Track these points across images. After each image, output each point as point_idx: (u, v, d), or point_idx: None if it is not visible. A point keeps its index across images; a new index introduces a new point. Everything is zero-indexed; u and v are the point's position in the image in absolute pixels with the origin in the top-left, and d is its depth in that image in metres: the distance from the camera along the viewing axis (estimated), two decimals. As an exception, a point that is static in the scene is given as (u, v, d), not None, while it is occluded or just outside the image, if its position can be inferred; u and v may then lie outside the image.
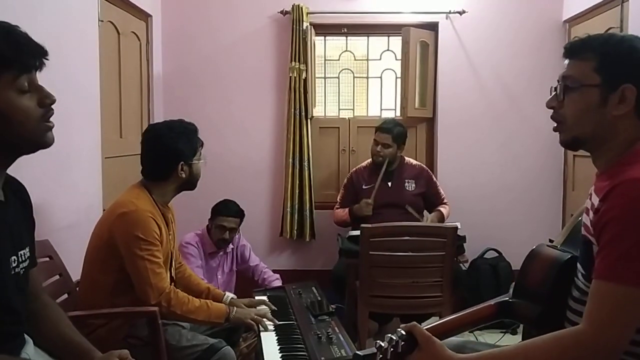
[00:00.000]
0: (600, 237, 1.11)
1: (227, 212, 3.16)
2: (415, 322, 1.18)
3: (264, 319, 2.10)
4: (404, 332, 1.16)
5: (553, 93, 1.27)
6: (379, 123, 3.46)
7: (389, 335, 1.15)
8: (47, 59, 1.17)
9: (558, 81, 1.26)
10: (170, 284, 2.08)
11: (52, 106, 1.18)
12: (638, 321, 1.07)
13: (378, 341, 1.15)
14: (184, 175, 2.12)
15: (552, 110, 1.28)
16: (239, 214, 3.21)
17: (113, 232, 1.99)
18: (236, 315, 2.09)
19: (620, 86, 1.16)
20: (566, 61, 1.26)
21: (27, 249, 1.28)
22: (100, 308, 1.98)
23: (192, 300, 2.04)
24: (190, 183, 2.17)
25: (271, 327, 2.07)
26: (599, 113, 1.19)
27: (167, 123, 2.19)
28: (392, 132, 3.35)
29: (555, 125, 1.28)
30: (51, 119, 1.19)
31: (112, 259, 2.00)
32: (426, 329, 1.20)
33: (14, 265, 1.21)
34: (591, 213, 1.16)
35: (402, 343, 1.14)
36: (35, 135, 1.16)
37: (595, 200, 1.16)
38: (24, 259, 1.26)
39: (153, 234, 1.98)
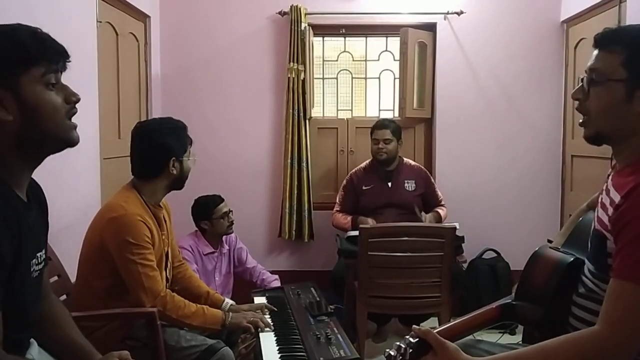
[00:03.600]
0: (619, 236, 1.10)
1: (216, 202, 3.16)
2: (429, 328, 1.18)
3: (261, 322, 2.09)
4: (411, 340, 1.16)
5: (579, 84, 1.24)
6: (374, 124, 3.46)
7: (397, 343, 1.16)
8: (69, 61, 1.20)
9: (585, 72, 1.23)
10: (166, 284, 2.07)
11: (76, 105, 1.22)
12: None
13: (387, 350, 1.15)
14: (174, 172, 2.09)
15: (577, 106, 1.26)
16: (222, 198, 3.21)
17: (104, 237, 1.97)
18: (232, 321, 2.09)
19: None
20: (595, 52, 1.22)
21: (43, 251, 1.29)
22: (96, 310, 1.97)
23: (189, 305, 2.04)
24: (180, 180, 2.14)
25: (270, 327, 2.07)
26: (623, 109, 1.16)
27: (156, 120, 2.19)
28: (389, 126, 3.37)
29: (581, 120, 1.25)
30: (72, 119, 1.22)
31: (105, 263, 1.98)
32: None
33: (33, 268, 1.22)
34: (609, 209, 1.15)
35: (410, 350, 1.14)
36: (62, 130, 1.18)
37: (616, 196, 1.14)
38: (40, 260, 1.26)
39: (144, 237, 1.96)
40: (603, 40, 1.20)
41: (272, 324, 2.11)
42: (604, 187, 1.23)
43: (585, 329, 1.14)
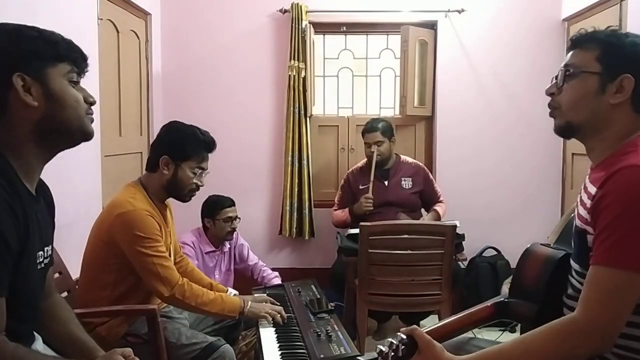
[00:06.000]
0: (597, 223, 1.11)
1: (228, 203, 3.17)
2: (415, 326, 1.19)
3: (278, 315, 2.09)
4: (404, 336, 1.16)
5: (553, 81, 1.29)
6: (363, 128, 3.45)
7: (389, 339, 1.16)
8: (87, 70, 1.28)
9: (561, 69, 1.27)
10: None
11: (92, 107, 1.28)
12: (632, 306, 1.07)
13: (379, 346, 1.16)
14: (166, 172, 2.09)
15: (549, 101, 1.30)
16: (234, 202, 3.22)
17: (113, 233, 1.99)
18: (251, 309, 2.09)
19: (619, 76, 1.18)
20: (570, 52, 1.27)
21: (50, 247, 1.32)
22: (100, 306, 1.99)
23: (207, 293, 2.06)
24: (173, 187, 2.11)
25: (270, 325, 2.08)
26: (596, 100, 1.20)
27: (187, 125, 2.18)
28: (378, 128, 3.35)
29: (550, 111, 1.30)
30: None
31: (113, 258, 2.01)
32: (426, 332, 1.21)
33: (40, 260, 1.24)
34: (588, 202, 1.16)
35: (403, 347, 1.15)
36: (82, 121, 1.24)
37: (592, 189, 1.16)
38: (47, 255, 1.29)
39: (153, 230, 1.99)
40: (578, 40, 1.26)
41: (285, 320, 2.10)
42: (582, 186, 1.26)
43: (564, 317, 1.15)
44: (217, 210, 3.13)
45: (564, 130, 1.28)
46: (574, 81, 1.23)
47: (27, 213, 1.18)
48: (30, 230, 1.18)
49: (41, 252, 1.25)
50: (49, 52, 1.19)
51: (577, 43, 1.26)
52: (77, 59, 1.24)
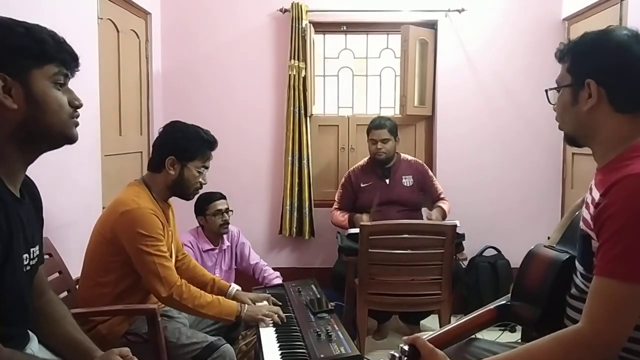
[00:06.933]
0: (600, 233, 1.11)
1: (216, 197, 3.17)
2: (417, 334, 1.19)
3: (276, 315, 2.09)
4: (405, 347, 1.17)
5: None
6: (369, 124, 3.44)
7: (391, 352, 1.17)
8: (78, 70, 1.25)
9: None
10: None
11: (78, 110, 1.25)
12: (638, 316, 1.07)
13: (382, 359, 1.16)
14: (172, 173, 2.12)
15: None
16: (223, 195, 3.22)
17: (116, 231, 2.00)
18: (247, 313, 2.10)
19: (585, 82, 1.20)
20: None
21: (37, 247, 1.30)
22: (102, 305, 1.99)
23: (204, 295, 2.07)
24: (179, 186, 2.15)
25: (271, 325, 2.08)
26: (573, 111, 1.24)
27: (189, 124, 2.20)
28: (386, 126, 3.34)
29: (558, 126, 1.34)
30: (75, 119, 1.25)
31: (115, 256, 2.01)
32: (429, 340, 1.21)
33: (25, 262, 1.23)
34: (591, 207, 1.16)
35: (405, 358, 1.15)
36: (65, 126, 1.20)
37: (596, 194, 1.16)
38: (34, 256, 1.27)
39: (156, 229, 2.00)
40: (559, 55, 1.29)
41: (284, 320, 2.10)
42: (589, 187, 1.26)
43: (569, 327, 1.15)
44: (205, 205, 3.15)
45: (568, 142, 1.33)
46: (558, 97, 1.28)
47: (10, 218, 1.15)
48: (14, 235, 1.15)
49: (27, 255, 1.23)
50: (36, 52, 1.14)
51: (559, 59, 1.29)
52: (66, 60, 1.19)
